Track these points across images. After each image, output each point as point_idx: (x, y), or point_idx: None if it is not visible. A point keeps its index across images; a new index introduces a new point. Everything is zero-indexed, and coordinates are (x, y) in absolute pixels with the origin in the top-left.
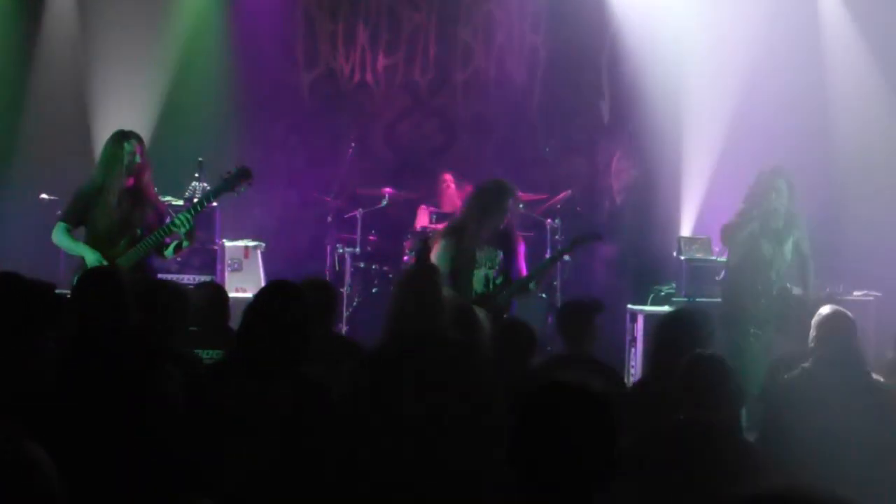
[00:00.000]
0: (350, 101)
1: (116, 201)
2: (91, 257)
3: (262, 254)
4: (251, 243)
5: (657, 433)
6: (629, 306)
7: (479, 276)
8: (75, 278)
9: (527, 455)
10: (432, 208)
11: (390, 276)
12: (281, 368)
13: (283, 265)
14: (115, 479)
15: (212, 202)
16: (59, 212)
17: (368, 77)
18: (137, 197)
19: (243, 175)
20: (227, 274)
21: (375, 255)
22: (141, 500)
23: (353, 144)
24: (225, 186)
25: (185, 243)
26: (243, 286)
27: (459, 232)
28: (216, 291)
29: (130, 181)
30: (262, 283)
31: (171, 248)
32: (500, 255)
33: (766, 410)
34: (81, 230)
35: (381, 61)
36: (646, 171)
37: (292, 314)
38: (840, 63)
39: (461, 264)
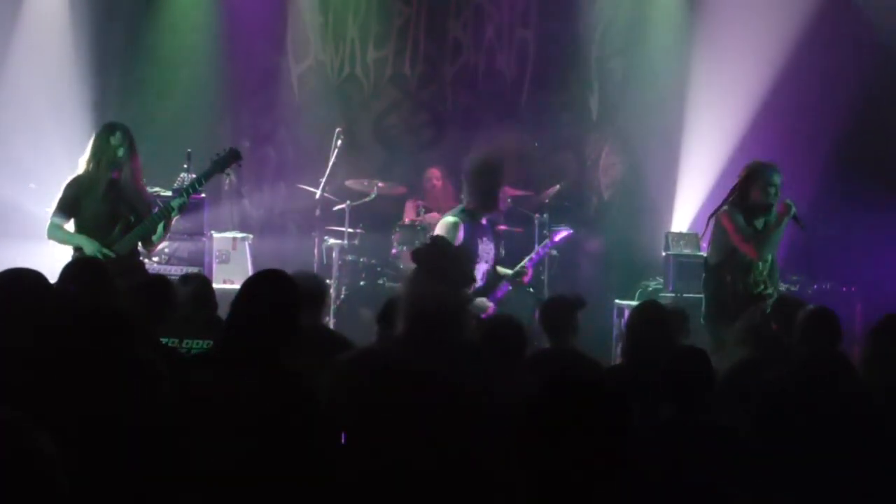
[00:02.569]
0: (339, 94)
1: (105, 192)
2: (90, 246)
3: (250, 245)
4: (239, 235)
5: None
6: (616, 301)
7: (479, 270)
8: None
9: (536, 452)
10: (420, 202)
11: (378, 269)
12: (262, 359)
13: (271, 257)
14: (101, 466)
15: (203, 184)
16: (49, 209)
17: (358, 70)
18: (126, 187)
19: (232, 156)
20: (215, 265)
21: (363, 248)
22: (125, 488)
23: (341, 137)
24: (215, 168)
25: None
26: (231, 278)
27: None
28: (201, 282)
29: (118, 173)
30: (250, 275)
31: (158, 234)
32: (494, 248)
33: (753, 411)
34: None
35: (371, 54)
36: (634, 167)
37: (276, 303)
38: (824, 57)
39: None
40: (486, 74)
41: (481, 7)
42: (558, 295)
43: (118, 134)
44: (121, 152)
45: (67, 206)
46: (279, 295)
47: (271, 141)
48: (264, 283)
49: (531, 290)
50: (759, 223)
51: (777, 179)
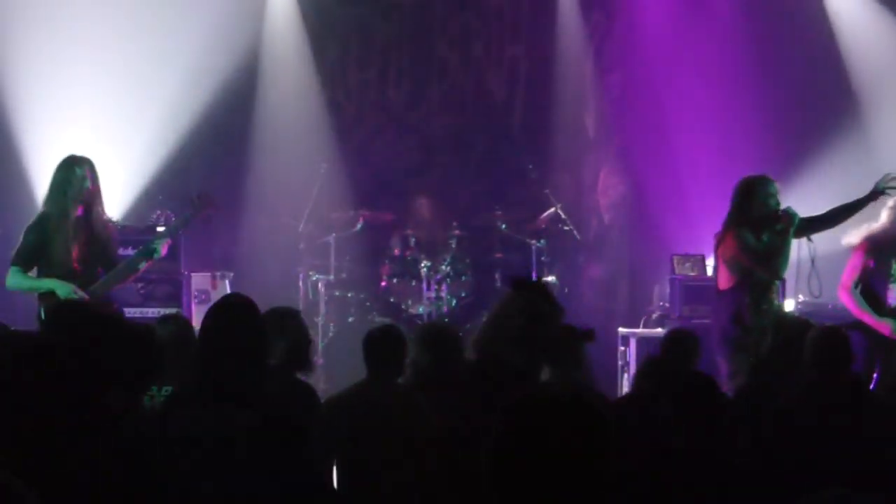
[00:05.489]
0: (321, 121)
1: (72, 231)
2: (63, 290)
3: (231, 284)
4: (218, 273)
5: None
6: (620, 329)
7: None
8: (42, 311)
9: (514, 474)
10: (409, 231)
11: (367, 303)
12: (241, 394)
13: (254, 295)
14: None
15: (180, 231)
16: (12, 254)
17: (339, 94)
18: (94, 224)
19: (205, 200)
20: (194, 306)
21: (351, 282)
22: None
23: (324, 166)
24: (193, 214)
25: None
26: None
27: None
28: (181, 324)
29: (81, 208)
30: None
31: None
32: None
33: (763, 435)
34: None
35: (353, 77)
36: (635, 187)
37: (243, 332)
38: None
39: None
40: (476, 95)
41: (468, 24)
42: (564, 325)
43: (83, 166)
44: (85, 185)
45: (30, 252)
46: (249, 322)
47: (251, 172)
48: (229, 313)
49: None
50: (766, 237)
51: (773, 188)
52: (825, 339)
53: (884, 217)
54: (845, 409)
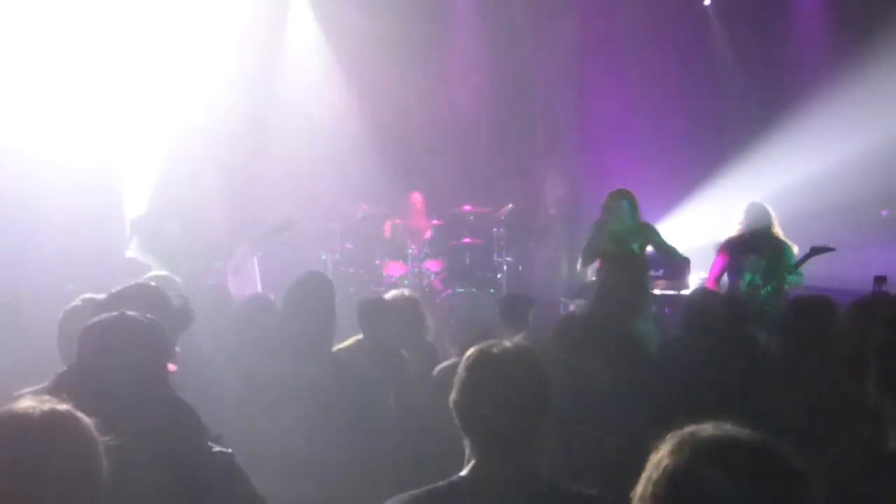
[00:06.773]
0: (328, 133)
1: None
2: None
3: (258, 260)
4: (248, 250)
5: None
6: (562, 298)
7: None
8: None
9: (469, 409)
10: (398, 220)
11: (365, 278)
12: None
13: (276, 269)
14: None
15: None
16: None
17: (340, 114)
18: None
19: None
20: (229, 277)
21: (352, 260)
22: None
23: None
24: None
25: None
26: (242, 288)
27: None
28: (220, 294)
29: None
30: (258, 286)
31: None
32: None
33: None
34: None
35: (353, 99)
36: (574, 188)
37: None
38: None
39: None
40: (451, 113)
41: (443, 55)
42: (513, 293)
43: None
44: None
45: None
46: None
47: (273, 176)
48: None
49: (492, 291)
50: (595, 234)
51: (623, 203)
52: (727, 304)
53: (736, 224)
54: (743, 367)
